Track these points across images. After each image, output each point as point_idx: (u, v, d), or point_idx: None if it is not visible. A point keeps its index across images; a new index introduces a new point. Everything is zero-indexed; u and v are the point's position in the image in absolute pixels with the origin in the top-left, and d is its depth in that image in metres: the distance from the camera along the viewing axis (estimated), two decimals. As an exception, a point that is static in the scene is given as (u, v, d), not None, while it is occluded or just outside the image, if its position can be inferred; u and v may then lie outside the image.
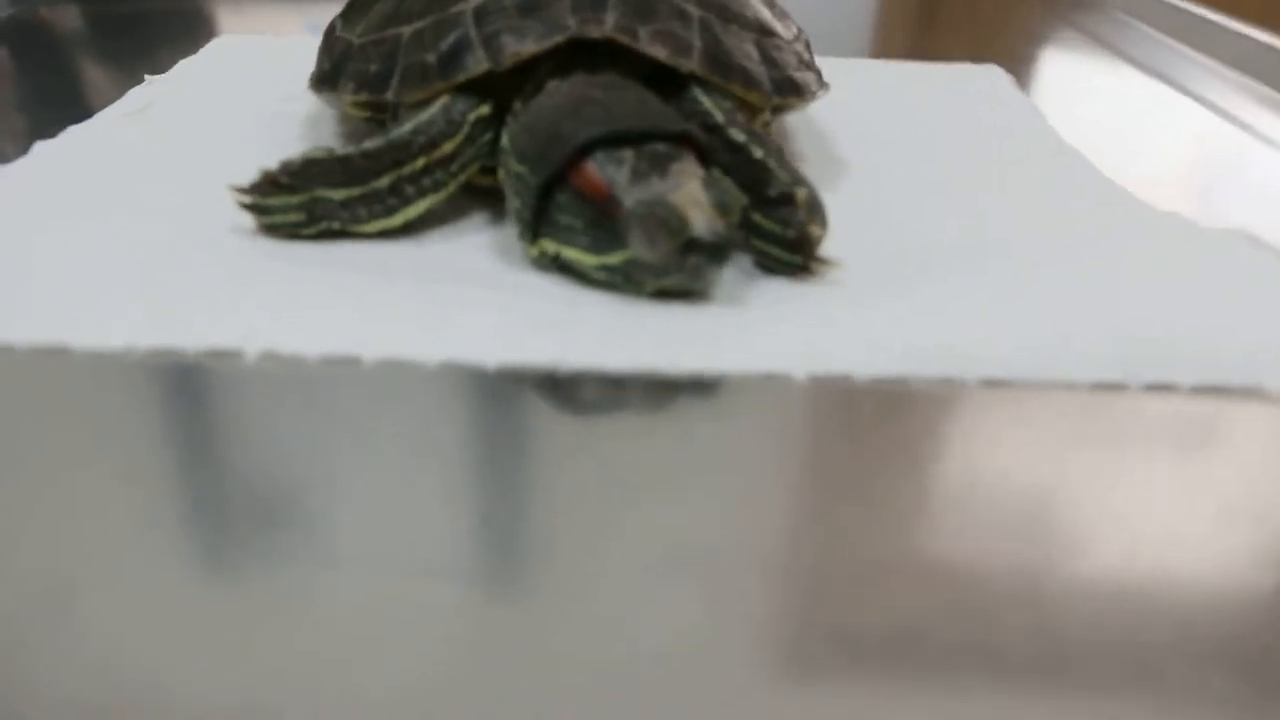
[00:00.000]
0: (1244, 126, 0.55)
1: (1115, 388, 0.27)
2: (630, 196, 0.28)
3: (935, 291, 0.30)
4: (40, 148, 0.38)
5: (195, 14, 0.80)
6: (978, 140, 0.44)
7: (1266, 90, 0.59)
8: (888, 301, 0.30)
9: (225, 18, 0.81)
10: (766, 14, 0.36)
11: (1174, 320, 0.30)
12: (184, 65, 0.49)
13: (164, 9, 0.76)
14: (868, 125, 0.44)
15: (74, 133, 0.40)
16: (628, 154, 0.28)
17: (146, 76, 0.46)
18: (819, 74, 0.37)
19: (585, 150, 0.29)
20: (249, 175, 0.34)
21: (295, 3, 0.90)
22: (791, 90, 0.34)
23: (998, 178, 0.40)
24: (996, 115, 0.47)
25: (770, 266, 0.31)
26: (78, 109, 0.50)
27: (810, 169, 0.39)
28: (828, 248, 0.31)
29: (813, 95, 0.35)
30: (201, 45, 0.56)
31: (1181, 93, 0.61)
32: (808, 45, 0.39)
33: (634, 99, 0.30)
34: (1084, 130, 0.51)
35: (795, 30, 0.38)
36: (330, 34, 0.37)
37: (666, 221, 0.27)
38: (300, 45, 0.54)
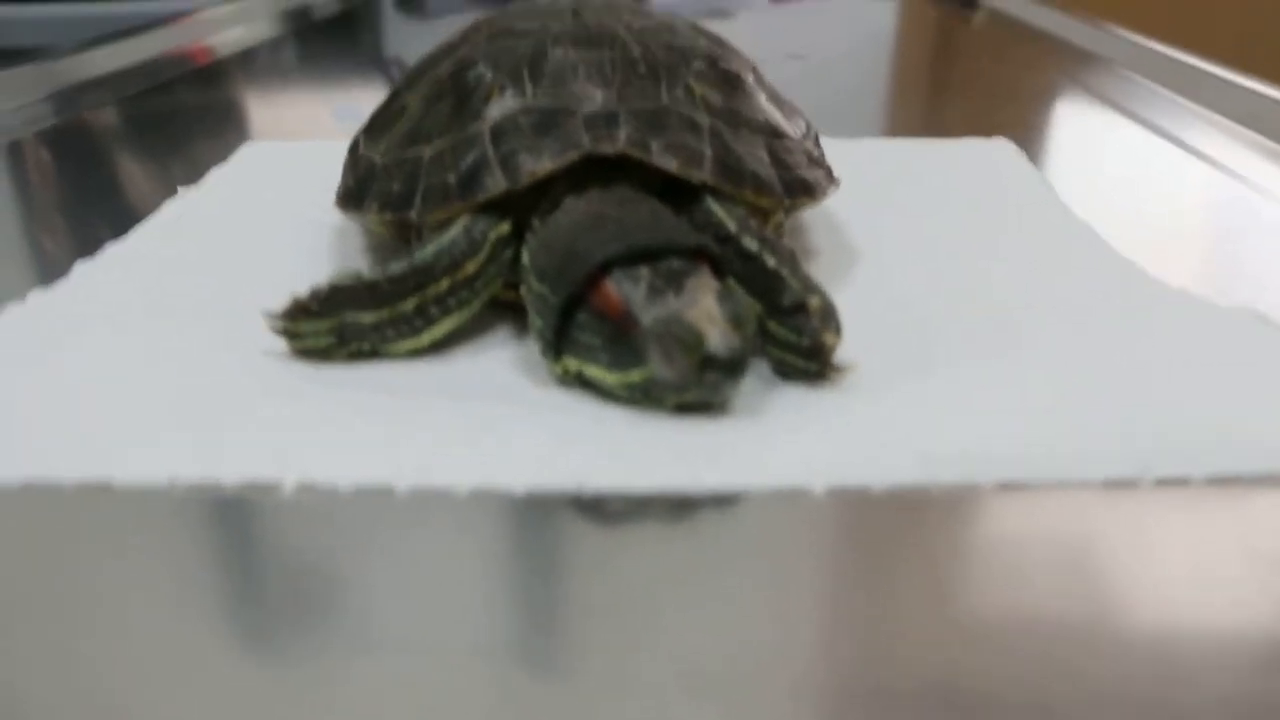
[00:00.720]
0: (1251, 184, 0.56)
1: (1128, 484, 0.28)
2: (647, 315, 0.29)
3: (949, 391, 0.31)
4: (81, 268, 0.40)
5: (227, 106, 0.83)
6: (988, 219, 0.45)
7: (1273, 145, 0.59)
8: (903, 405, 0.30)
9: (256, 109, 0.84)
10: (776, 114, 0.37)
11: (1185, 409, 0.30)
12: (215, 174, 0.51)
13: (197, 104, 0.79)
14: (880, 210, 0.45)
15: (112, 251, 0.42)
16: (644, 271, 0.29)
17: (179, 189, 0.48)
18: (829, 170, 0.38)
19: (603, 269, 0.30)
20: (283, 287, 0.36)
21: (323, 91, 0.93)
22: (803, 191, 0.35)
23: (1009, 259, 0.41)
24: (1006, 191, 0.48)
25: (787, 372, 0.32)
26: (119, 209, 0.52)
27: (823, 262, 0.41)
28: (844, 347, 0.32)
29: (824, 193, 0.36)
30: (234, 137, 0.58)
31: (1188, 151, 0.62)
32: (817, 140, 0.40)
33: (647, 214, 0.31)
34: (1094, 194, 0.52)
35: (804, 126, 0.39)
36: (354, 151, 0.38)
37: (683, 340, 0.28)
38: (327, 149, 0.56)
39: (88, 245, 0.42)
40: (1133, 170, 0.60)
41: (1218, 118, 0.66)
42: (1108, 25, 0.91)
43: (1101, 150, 0.65)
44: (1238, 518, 0.27)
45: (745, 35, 1.09)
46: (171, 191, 0.49)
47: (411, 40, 1.12)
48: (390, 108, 0.39)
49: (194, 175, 0.51)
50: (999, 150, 0.54)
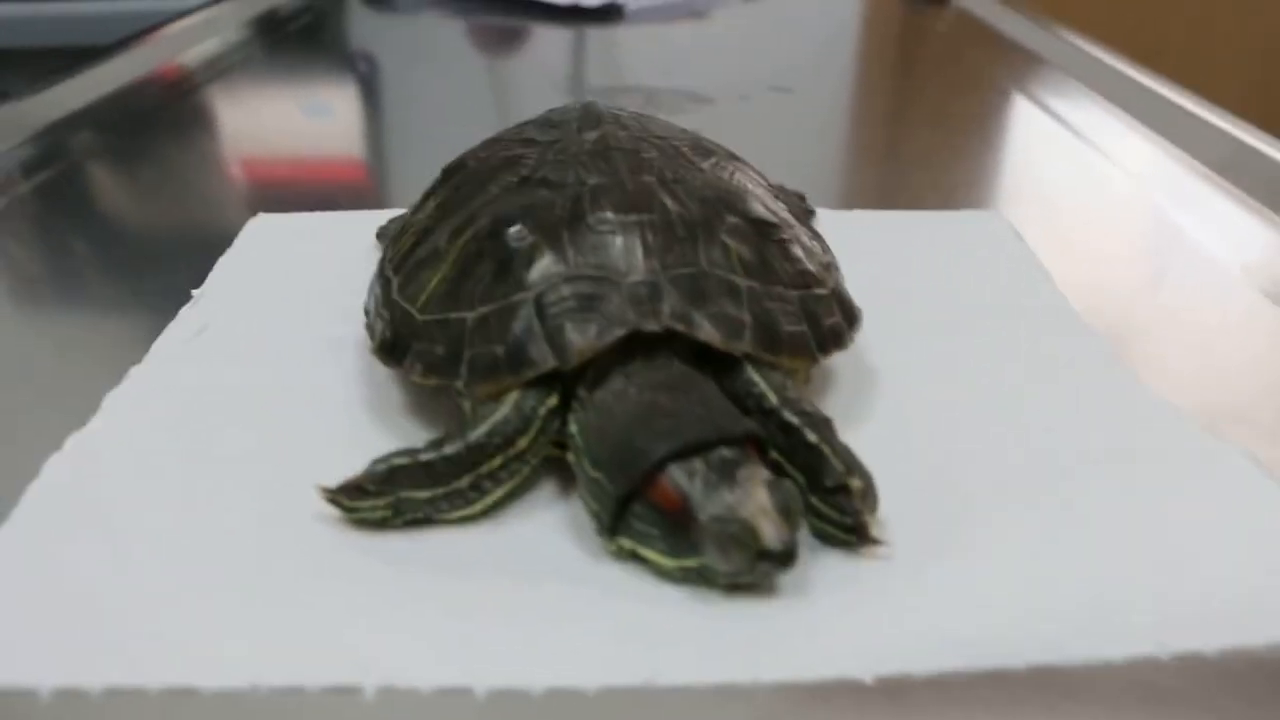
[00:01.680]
0: (1185, 210, 0.61)
1: (1149, 661, 0.30)
2: (704, 512, 0.30)
3: (982, 563, 0.33)
4: (110, 402, 0.40)
5: (195, 109, 0.82)
6: (995, 327, 0.46)
7: (1209, 172, 0.64)
8: (938, 582, 0.32)
9: (223, 109, 0.83)
10: (802, 256, 0.38)
11: (1197, 575, 0.33)
12: (224, 264, 0.50)
13: (165, 105, 0.78)
14: (887, 310, 0.45)
15: (136, 377, 0.41)
16: (698, 465, 0.31)
17: (193, 292, 0.48)
18: (851, 307, 0.39)
19: (659, 464, 0.31)
20: (322, 422, 0.37)
21: (289, 86, 0.92)
22: (834, 344, 0.37)
23: (1022, 381, 0.42)
24: (1008, 286, 0.50)
25: (827, 539, 0.33)
26: (134, 266, 0.53)
27: (843, 392, 0.42)
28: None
29: (850, 340, 0.38)
30: (216, 154, 0.57)
31: (1128, 173, 0.67)
32: (838, 269, 0.41)
33: (698, 401, 0.32)
34: (1043, 223, 0.56)
35: (827, 259, 0.40)
36: (386, 292, 0.39)
37: (739, 538, 0.30)
38: (339, 222, 0.56)
39: (108, 326, 0.42)
40: (1090, 203, 0.63)
41: (1163, 141, 0.69)
42: (1071, 34, 0.92)
43: (1051, 176, 0.69)
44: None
45: (722, 43, 1.09)
46: (177, 233, 0.49)
47: (377, 35, 1.10)
48: (421, 246, 0.39)
49: (193, 211, 0.52)
50: (991, 225, 0.55)
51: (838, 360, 0.43)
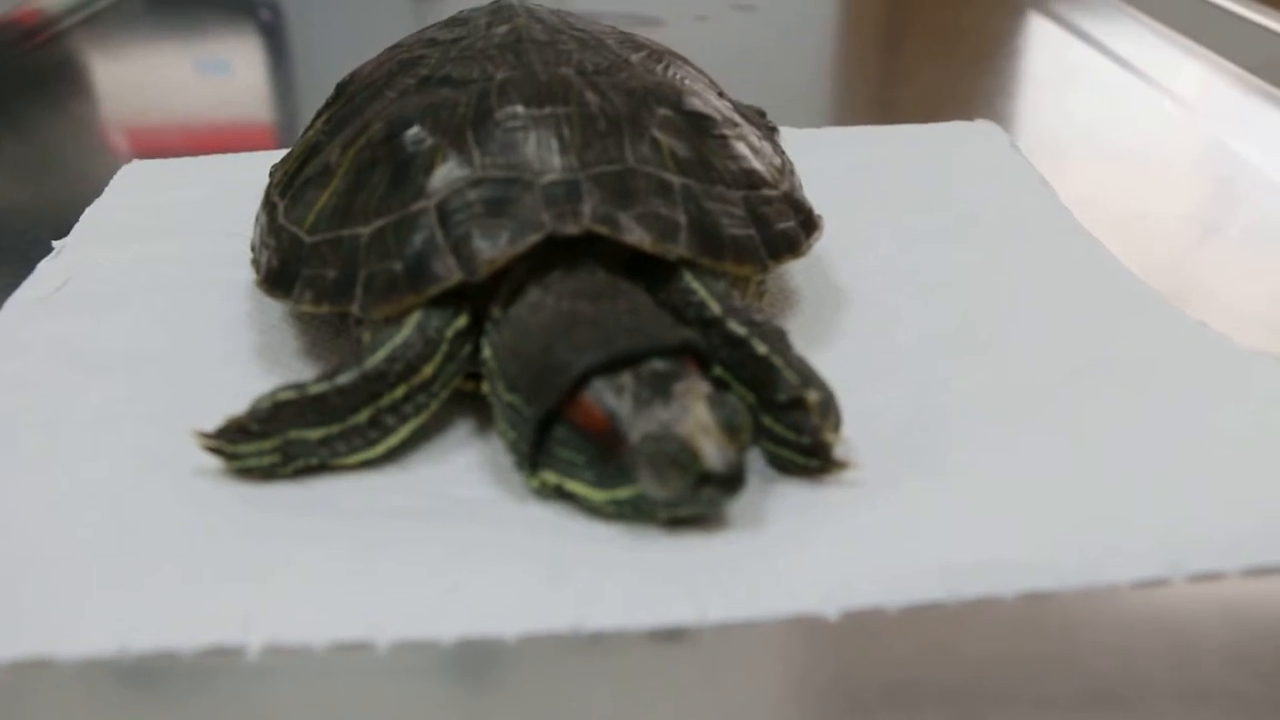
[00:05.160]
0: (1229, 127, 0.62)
1: (1159, 583, 0.31)
2: (635, 431, 0.31)
3: (960, 483, 0.34)
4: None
5: (58, 62, 0.82)
6: (984, 239, 0.48)
7: (1249, 77, 0.66)
8: (913, 505, 0.33)
9: (101, 65, 0.83)
10: (748, 155, 0.39)
11: (1216, 490, 0.33)
12: (91, 214, 0.51)
13: (18, 56, 0.79)
14: (863, 227, 0.47)
15: (-15, 336, 0.42)
16: (627, 379, 0.31)
17: (54, 243, 0.48)
18: (810, 213, 0.40)
19: (581, 379, 0.32)
20: (203, 377, 0.37)
21: (179, 40, 0.92)
22: (786, 250, 0.38)
23: (1013, 296, 0.44)
24: (1001, 198, 0.51)
25: (784, 466, 0.34)
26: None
27: (805, 307, 0.43)
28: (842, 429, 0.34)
29: (808, 247, 0.39)
30: (87, 113, 0.57)
31: (1158, 87, 0.69)
32: (793, 173, 0.42)
33: (625, 309, 0.33)
34: (1089, 177, 0.57)
35: (780, 161, 0.41)
36: (272, 218, 0.39)
37: (676, 458, 0.30)
38: (225, 165, 0.57)
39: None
40: (1112, 130, 0.64)
41: (1219, 59, 0.70)
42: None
43: (1080, 106, 0.69)
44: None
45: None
46: (34, 202, 0.49)
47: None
48: (310, 164, 0.40)
49: (54, 176, 0.51)
50: (984, 137, 0.56)
51: (798, 276, 0.45)
